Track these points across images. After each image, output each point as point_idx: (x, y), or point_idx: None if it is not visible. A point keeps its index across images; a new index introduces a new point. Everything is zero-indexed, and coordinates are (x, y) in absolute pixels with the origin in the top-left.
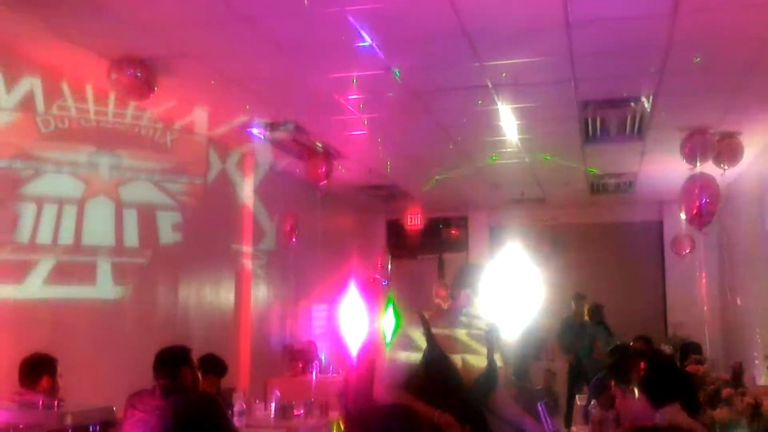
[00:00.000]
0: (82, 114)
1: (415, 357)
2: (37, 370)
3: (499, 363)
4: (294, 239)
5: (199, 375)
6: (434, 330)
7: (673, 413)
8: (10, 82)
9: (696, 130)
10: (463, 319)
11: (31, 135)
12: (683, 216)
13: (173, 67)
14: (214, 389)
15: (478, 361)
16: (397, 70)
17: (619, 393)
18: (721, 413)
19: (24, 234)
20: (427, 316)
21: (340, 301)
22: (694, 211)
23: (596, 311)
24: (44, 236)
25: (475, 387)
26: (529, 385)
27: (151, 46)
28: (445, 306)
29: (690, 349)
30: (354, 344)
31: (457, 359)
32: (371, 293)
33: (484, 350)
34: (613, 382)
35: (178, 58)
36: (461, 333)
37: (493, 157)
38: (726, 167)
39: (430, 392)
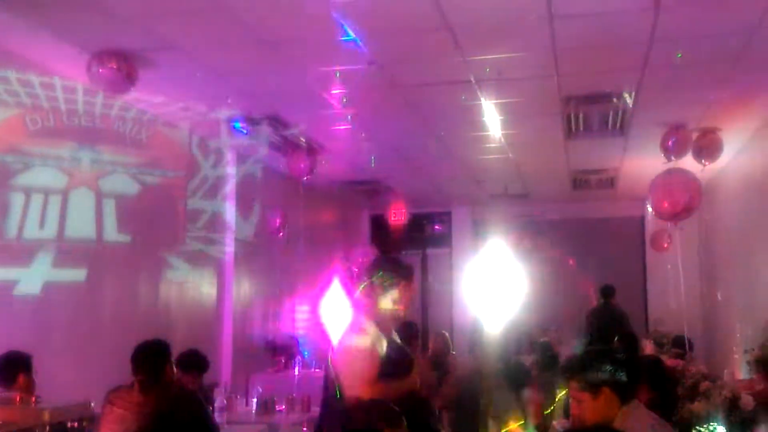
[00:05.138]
0: (65, 109)
1: (376, 354)
2: (13, 368)
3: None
4: (282, 234)
5: (177, 370)
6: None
7: (637, 407)
8: None
9: (675, 125)
10: (388, 308)
11: (20, 131)
12: (650, 209)
13: (154, 61)
14: (196, 385)
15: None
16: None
17: (587, 396)
18: (698, 406)
19: (11, 227)
20: (367, 315)
21: (322, 296)
22: (668, 205)
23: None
24: (29, 229)
25: None
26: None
27: (132, 40)
28: (372, 302)
29: (678, 342)
30: (336, 339)
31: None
32: (353, 288)
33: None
34: (579, 386)
35: (159, 51)
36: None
37: None
38: (706, 163)
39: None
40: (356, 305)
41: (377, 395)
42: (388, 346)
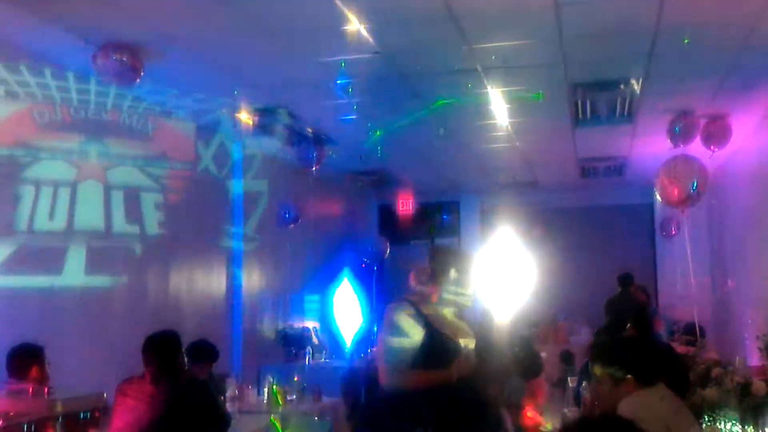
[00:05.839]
0: (73, 102)
1: (410, 341)
2: (26, 360)
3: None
4: (294, 225)
5: (187, 361)
6: (424, 312)
7: (660, 388)
8: (7, 74)
9: (683, 112)
10: (448, 298)
11: (28, 125)
12: (658, 197)
13: (160, 53)
14: (205, 375)
15: (466, 337)
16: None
17: (610, 382)
18: (710, 392)
19: (21, 220)
20: (414, 300)
21: (332, 286)
22: (675, 191)
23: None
24: (38, 222)
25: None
26: None
27: (138, 32)
28: (426, 290)
29: (689, 329)
30: (347, 330)
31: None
32: (364, 279)
33: (467, 327)
34: (600, 370)
35: (165, 43)
36: (448, 312)
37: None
38: (714, 149)
39: (437, 363)
40: (385, 294)
41: (407, 386)
42: (428, 336)
